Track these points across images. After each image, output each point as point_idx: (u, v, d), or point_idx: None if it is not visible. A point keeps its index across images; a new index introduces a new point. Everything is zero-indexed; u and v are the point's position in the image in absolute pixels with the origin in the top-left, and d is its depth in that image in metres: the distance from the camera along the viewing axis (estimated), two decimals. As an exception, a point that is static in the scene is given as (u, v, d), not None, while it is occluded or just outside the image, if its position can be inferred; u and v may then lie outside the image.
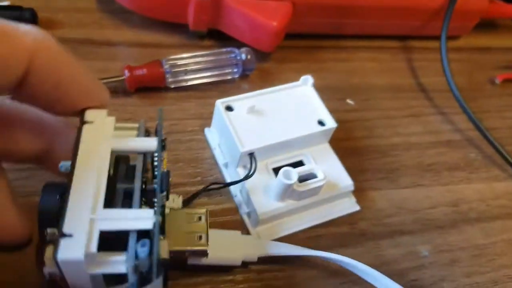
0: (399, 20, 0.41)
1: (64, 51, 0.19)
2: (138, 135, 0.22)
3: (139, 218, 0.18)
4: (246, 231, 0.29)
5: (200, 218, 0.25)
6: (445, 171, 0.34)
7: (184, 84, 0.34)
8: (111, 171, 0.21)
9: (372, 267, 0.28)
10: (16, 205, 0.19)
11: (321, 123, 0.31)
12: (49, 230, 0.18)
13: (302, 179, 0.28)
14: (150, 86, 0.34)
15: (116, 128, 0.22)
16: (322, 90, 0.32)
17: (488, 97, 0.41)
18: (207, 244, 0.24)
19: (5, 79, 0.17)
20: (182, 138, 0.32)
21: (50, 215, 0.18)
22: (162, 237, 0.19)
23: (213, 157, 0.32)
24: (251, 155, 0.29)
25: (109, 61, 0.35)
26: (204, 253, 0.24)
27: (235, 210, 0.30)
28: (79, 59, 0.20)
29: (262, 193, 0.29)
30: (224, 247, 0.26)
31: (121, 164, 0.22)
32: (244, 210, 0.29)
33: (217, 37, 0.38)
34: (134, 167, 0.21)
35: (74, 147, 0.20)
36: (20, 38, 0.17)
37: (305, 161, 0.31)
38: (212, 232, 0.25)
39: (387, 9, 0.40)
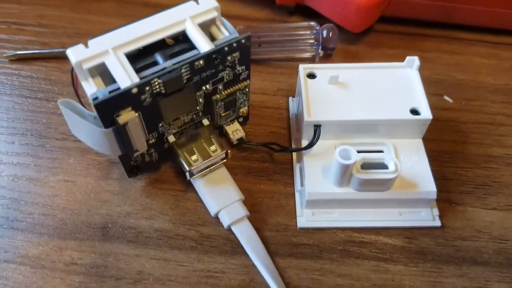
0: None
1: None
2: (217, 40, 0.23)
3: (128, 78, 0.21)
4: (293, 210, 0.26)
5: (215, 151, 0.25)
6: (558, 200, 0.27)
7: (256, 57, 0.32)
8: (172, 42, 0.23)
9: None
10: None
11: (414, 112, 0.26)
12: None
13: (370, 167, 0.24)
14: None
15: (212, 23, 0.24)
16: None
17: None
18: (192, 166, 0.24)
19: None
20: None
21: None
22: (130, 108, 0.21)
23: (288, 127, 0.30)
24: (317, 127, 0.26)
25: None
26: (185, 169, 0.25)
27: (291, 184, 0.27)
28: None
29: (320, 174, 0.25)
30: (216, 190, 0.25)
31: (184, 44, 0.23)
32: (298, 187, 0.26)
33: (307, 14, 0.35)
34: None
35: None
36: None
37: (385, 152, 0.26)
38: (222, 174, 0.26)
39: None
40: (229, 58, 0.23)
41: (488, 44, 0.34)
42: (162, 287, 0.23)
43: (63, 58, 0.32)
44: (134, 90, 0.20)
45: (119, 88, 0.20)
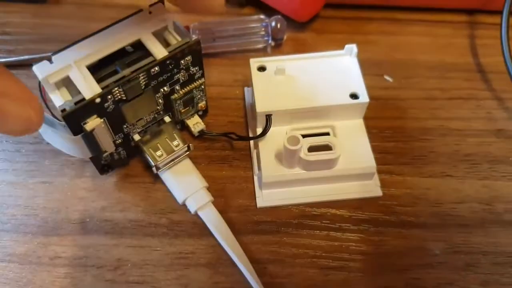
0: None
1: None
2: (170, 46, 0.25)
3: (91, 89, 0.23)
4: (253, 192, 0.29)
5: (177, 145, 0.27)
6: (485, 163, 0.30)
7: (212, 51, 0.34)
8: (131, 49, 0.25)
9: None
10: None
11: (354, 96, 0.29)
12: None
13: (316, 149, 0.27)
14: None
15: (166, 29, 0.25)
16: (360, 63, 0.30)
17: None
18: (157, 161, 0.27)
19: None
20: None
21: None
22: (95, 116, 0.23)
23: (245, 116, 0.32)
24: (269, 116, 0.28)
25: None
26: (152, 165, 0.27)
27: (250, 169, 0.30)
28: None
29: (274, 158, 0.28)
30: (182, 180, 0.28)
31: (140, 52, 0.25)
32: (255, 171, 0.29)
33: (258, 5, 0.37)
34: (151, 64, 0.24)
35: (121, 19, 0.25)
36: None
37: (330, 134, 0.29)
38: (186, 165, 0.28)
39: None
40: (182, 62, 0.25)
41: (425, 23, 0.37)
42: (139, 271, 0.26)
43: (30, 65, 0.34)
44: (97, 100, 0.23)
45: (83, 99, 0.23)
